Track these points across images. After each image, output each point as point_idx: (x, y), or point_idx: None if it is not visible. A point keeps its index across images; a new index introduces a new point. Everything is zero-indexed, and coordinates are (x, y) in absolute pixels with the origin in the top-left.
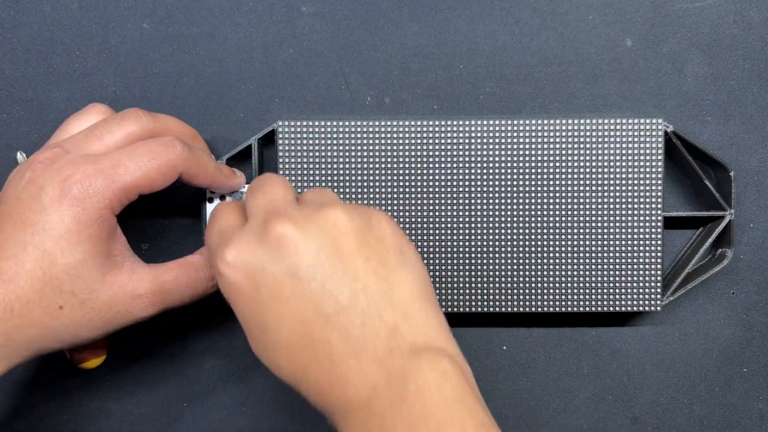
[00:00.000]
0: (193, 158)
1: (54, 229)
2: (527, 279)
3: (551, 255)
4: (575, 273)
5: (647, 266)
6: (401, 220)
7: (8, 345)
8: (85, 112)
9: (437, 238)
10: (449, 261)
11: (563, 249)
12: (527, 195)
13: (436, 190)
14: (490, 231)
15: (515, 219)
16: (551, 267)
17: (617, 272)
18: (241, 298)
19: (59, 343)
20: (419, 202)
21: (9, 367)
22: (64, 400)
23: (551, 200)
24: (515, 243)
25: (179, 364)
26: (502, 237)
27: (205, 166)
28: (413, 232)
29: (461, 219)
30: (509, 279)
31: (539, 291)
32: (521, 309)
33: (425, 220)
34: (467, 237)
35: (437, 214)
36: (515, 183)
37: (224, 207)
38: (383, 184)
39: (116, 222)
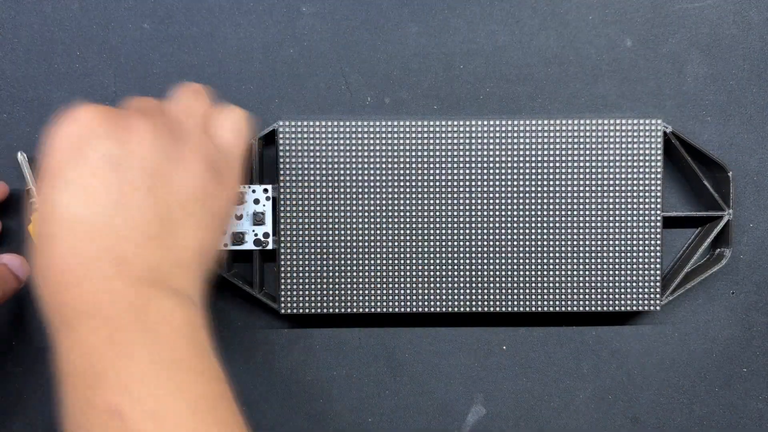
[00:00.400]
0: None
1: None
2: (527, 279)
3: (551, 255)
4: (575, 273)
5: (646, 266)
6: (401, 219)
7: None
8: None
9: (437, 237)
10: (449, 261)
11: (563, 249)
12: (527, 195)
13: (436, 190)
14: (490, 231)
15: (515, 219)
16: (551, 267)
17: (617, 272)
18: (55, 147)
19: None
20: (419, 202)
21: None
22: None
23: (551, 200)
24: (515, 243)
25: None
26: (502, 237)
27: None
28: (413, 231)
29: (461, 219)
30: (509, 279)
31: (539, 291)
32: (521, 309)
33: (425, 219)
34: (467, 237)
35: (437, 213)
36: (515, 183)
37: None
38: (383, 184)
39: None
